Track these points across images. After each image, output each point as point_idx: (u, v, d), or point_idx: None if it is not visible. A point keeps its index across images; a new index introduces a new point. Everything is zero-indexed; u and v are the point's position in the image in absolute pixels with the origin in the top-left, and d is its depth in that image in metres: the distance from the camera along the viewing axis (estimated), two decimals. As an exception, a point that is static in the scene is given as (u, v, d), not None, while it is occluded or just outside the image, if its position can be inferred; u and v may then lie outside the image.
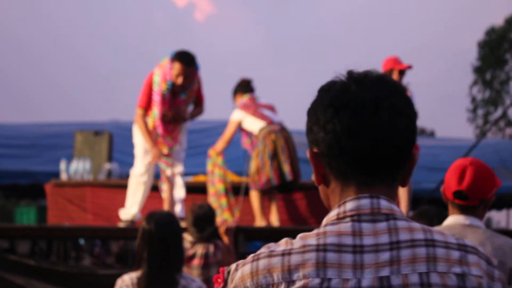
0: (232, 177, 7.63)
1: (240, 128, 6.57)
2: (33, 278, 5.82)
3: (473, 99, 27.97)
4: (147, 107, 5.99)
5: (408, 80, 26.15)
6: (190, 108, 6.18)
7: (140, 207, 6.30)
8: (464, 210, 2.64)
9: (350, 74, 1.25)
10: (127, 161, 9.47)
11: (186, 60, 5.81)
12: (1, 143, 10.67)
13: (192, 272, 4.45)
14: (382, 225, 1.18)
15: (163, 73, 5.87)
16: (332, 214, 1.22)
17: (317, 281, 1.14)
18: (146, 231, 3.06)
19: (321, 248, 1.16)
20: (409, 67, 6.29)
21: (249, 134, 6.57)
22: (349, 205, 1.20)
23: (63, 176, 7.63)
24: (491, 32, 27.23)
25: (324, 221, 1.23)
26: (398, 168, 1.23)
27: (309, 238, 1.19)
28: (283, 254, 1.18)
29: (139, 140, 6.16)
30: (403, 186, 1.25)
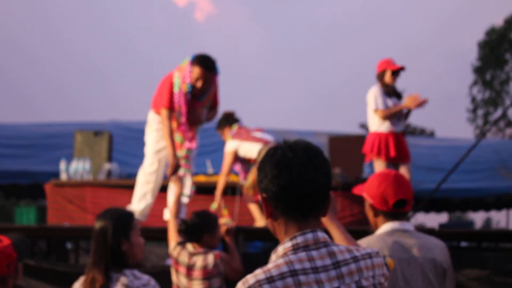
0: (232, 178, 7.64)
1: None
2: (33, 278, 5.81)
3: (473, 99, 27.96)
4: (172, 108, 5.84)
5: (408, 81, 26.13)
6: (205, 111, 6.13)
7: (147, 204, 6.20)
8: (399, 216, 2.89)
9: (286, 143, 1.83)
10: (127, 161, 9.48)
11: (206, 64, 5.76)
12: (1, 143, 10.67)
13: (193, 284, 4.37)
14: (323, 250, 1.75)
15: (182, 76, 5.82)
16: (288, 245, 1.76)
17: None
18: (94, 231, 3.09)
19: (294, 274, 1.70)
20: (402, 68, 6.31)
21: (244, 162, 6.61)
22: (300, 239, 1.76)
23: (63, 176, 7.63)
24: (491, 32, 27.22)
25: (281, 250, 1.76)
26: (321, 207, 1.82)
27: (282, 266, 1.70)
28: (268, 281, 1.69)
29: (151, 139, 6.09)
30: (323, 216, 1.83)
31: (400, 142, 6.35)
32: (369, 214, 2.94)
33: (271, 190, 1.77)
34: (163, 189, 6.32)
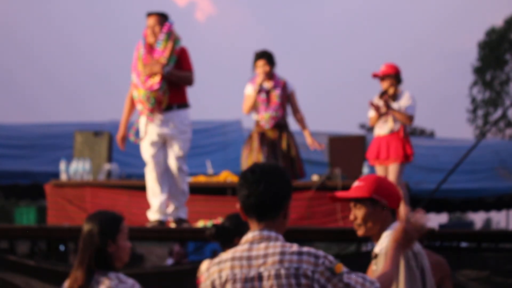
0: (232, 178, 7.64)
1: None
2: (33, 278, 5.82)
3: (473, 100, 27.94)
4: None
5: (408, 80, 26.11)
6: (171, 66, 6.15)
7: (158, 201, 6.18)
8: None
9: (252, 166, 2.48)
10: (127, 161, 9.48)
11: (148, 13, 6.22)
12: (1, 143, 10.67)
13: None
14: (262, 245, 2.38)
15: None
16: (243, 239, 2.45)
17: (230, 275, 2.39)
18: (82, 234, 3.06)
19: (231, 258, 2.41)
20: (377, 75, 6.62)
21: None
22: (249, 235, 2.43)
23: (63, 177, 7.63)
24: (491, 32, 27.21)
25: (242, 241, 2.45)
26: (274, 213, 2.42)
27: (227, 253, 2.44)
28: (215, 261, 2.47)
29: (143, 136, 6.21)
30: (284, 219, 2.45)
31: (383, 145, 6.59)
32: (380, 217, 2.88)
33: (239, 199, 2.45)
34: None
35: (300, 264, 2.31)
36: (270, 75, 6.82)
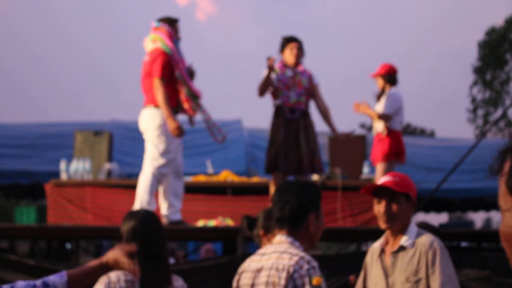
0: (232, 177, 7.64)
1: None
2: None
3: (473, 100, 27.93)
4: (165, 76, 6.07)
5: (408, 81, 26.09)
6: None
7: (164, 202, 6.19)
8: None
9: (279, 186, 2.99)
10: (127, 161, 9.47)
11: (174, 19, 6.20)
12: (1, 143, 10.67)
13: None
14: (274, 246, 2.77)
15: (165, 39, 6.10)
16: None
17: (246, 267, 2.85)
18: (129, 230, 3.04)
19: (260, 253, 2.83)
20: (373, 76, 6.80)
21: None
22: (277, 238, 2.82)
23: (63, 176, 7.63)
24: (491, 32, 27.20)
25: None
26: (294, 223, 2.77)
27: (262, 247, 3.04)
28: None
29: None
30: (308, 230, 2.76)
31: (375, 144, 6.82)
32: (409, 212, 3.07)
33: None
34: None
35: (289, 262, 2.63)
36: (298, 62, 6.48)
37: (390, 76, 6.69)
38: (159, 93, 5.86)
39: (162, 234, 3.04)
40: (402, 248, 3.03)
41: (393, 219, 3.03)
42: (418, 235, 3.05)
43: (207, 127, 6.24)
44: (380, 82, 6.72)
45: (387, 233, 3.12)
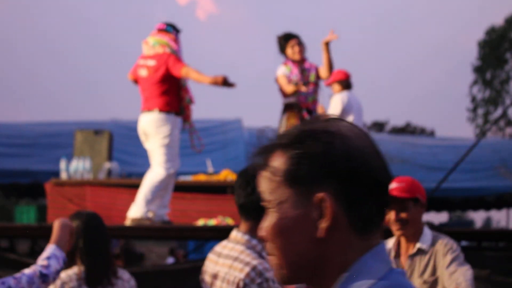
0: (232, 177, 7.64)
1: None
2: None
3: (473, 99, 27.96)
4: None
5: (408, 80, 26.05)
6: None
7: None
8: None
9: (242, 170, 2.60)
10: (127, 160, 9.48)
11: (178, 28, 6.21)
12: (1, 142, 10.67)
13: None
14: (229, 245, 2.56)
15: (171, 43, 6.09)
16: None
17: (205, 267, 2.65)
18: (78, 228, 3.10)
19: (212, 251, 2.67)
20: (328, 84, 7.04)
21: None
22: (232, 234, 2.60)
23: (63, 175, 7.63)
24: (491, 31, 27.22)
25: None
26: (254, 216, 2.43)
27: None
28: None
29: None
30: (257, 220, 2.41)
31: None
32: (419, 215, 3.10)
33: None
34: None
35: (239, 274, 2.41)
36: (303, 57, 6.43)
37: (342, 82, 7.06)
38: (194, 74, 5.80)
39: (104, 233, 3.18)
40: (420, 251, 3.09)
41: (405, 225, 3.05)
42: (434, 237, 3.11)
43: (189, 133, 6.24)
44: (336, 88, 7.08)
45: (397, 235, 3.13)
